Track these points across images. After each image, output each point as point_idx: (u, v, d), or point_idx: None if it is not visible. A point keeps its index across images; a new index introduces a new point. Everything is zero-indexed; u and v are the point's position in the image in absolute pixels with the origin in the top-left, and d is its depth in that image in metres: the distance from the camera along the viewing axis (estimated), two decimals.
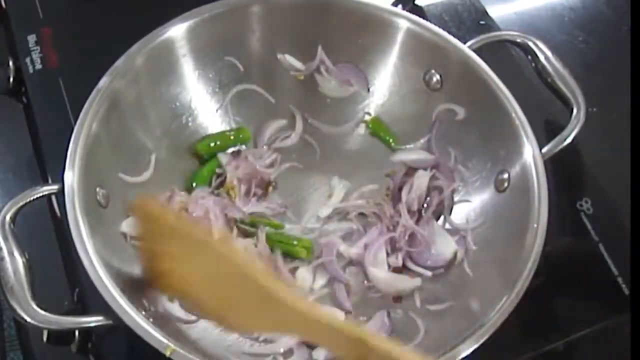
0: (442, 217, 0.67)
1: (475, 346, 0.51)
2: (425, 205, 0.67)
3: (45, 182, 0.67)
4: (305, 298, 0.58)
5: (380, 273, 0.63)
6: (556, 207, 0.59)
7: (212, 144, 0.69)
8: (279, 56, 0.70)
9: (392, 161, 0.71)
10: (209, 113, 0.70)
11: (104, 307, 0.50)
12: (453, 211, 0.67)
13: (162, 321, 0.53)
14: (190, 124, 0.69)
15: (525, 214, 0.58)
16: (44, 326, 0.51)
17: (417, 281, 0.63)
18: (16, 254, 0.52)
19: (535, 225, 0.57)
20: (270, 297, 0.44)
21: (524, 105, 0.62)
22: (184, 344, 0.50)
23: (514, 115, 0.62)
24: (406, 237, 0.65)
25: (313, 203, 0.68)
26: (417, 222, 0.66)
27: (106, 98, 0.60)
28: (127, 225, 0.59)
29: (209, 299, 0.48)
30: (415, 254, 0.64)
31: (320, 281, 0.63)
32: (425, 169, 0.68)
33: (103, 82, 0.60)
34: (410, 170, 0.69)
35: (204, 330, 0.56)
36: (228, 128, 0.71)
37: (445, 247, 0.64)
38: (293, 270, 0.63)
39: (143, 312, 0.51)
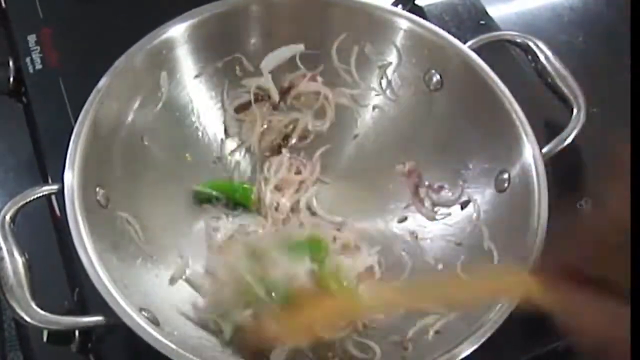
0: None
1: (476, 346, 0.51)
2: None
3: (45, 182, 0.67)
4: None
5: None
6: (556, 207, 0.59)
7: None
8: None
9: None
10: (209, 112, 0.70)
11: (103, 307, 0.50)
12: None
13: None
14: (190, 123, 0.69)
15: (525, 214, 0.58)
16: (44, 326, 0.51)
17: None
18: (16, 253, 0.52)
19: (535, 225, 0.57)
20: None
21: (524, 106, 0.62)
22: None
23: (514, 115, 0.62)
24: None
25: None
26: None
27: (106, 98, 0.60)
28: None
29: None
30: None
31: None
32: None
33: (103, 82, 0.60)
34: None
35: None
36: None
37: None
38: None
39: (143, 313, 0.52)
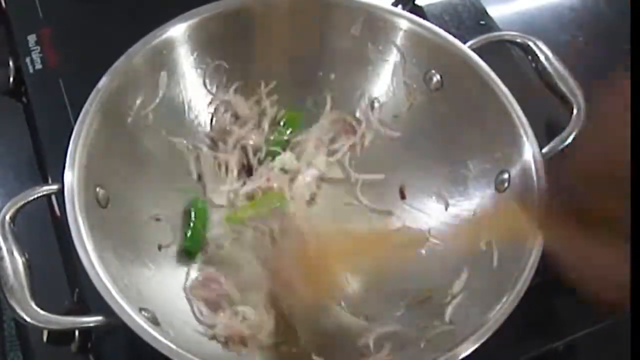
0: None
1: (475, 346, 0.51)
2: None
3: (45, 182, 0.67)
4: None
5: None
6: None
7: None
8: None
9: None
10: (208, 113, 0.70)
11: (103, 307, 0.50)
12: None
13: None
14: (190, 123, 0.69)
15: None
16: (44, 326, 0.51)
17: None
18: (16, 253, 0.52)
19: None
20: None
21: (524, 106, 0.62)
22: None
23: (514, 115, 0.62)
24: None
25: None
26: None
27: (106, 98, 0.60)
28: None
29: None
30: None
31: None
32: None
33: (103, 82, 0.60)
34: None
35: None
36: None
37: None
38: None
39: (143, 312, 0.52)
